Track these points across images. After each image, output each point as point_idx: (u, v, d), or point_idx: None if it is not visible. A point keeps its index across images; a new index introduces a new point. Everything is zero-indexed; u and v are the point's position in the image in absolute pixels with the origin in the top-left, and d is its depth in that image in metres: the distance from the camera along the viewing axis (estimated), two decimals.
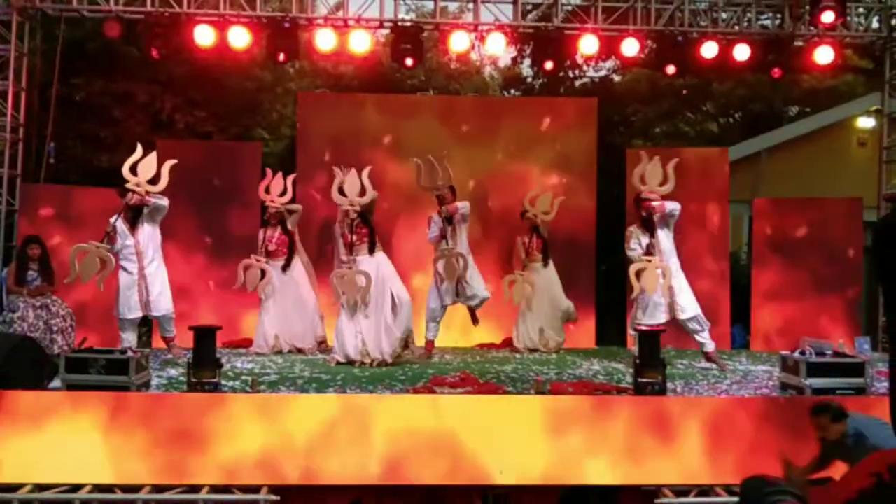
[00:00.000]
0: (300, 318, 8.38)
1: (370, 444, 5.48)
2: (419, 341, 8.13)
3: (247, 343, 8.97)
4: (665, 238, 7.66)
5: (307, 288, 8.49)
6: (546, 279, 8.84)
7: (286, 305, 8.33)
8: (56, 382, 5.79)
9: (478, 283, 8.29)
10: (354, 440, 5.47)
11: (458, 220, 8.10)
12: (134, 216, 7.54)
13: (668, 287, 7.44)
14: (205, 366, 5.76)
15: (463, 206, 8.12)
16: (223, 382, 5.97)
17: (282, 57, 9.31)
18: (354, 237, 7.47)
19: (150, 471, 5.37)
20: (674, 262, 7.63)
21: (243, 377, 6.63)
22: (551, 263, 8.93)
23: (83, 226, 9.00)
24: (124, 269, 7.55)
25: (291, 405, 5.61)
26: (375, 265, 7.47)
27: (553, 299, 8.88)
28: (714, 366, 7.59)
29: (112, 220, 7.50)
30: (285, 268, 8.30)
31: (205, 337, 5.93)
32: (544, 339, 8.79)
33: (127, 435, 5.38)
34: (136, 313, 7.61)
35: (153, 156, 7.48)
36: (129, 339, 7.52)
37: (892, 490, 0.79)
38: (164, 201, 7.61)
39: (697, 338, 7.61)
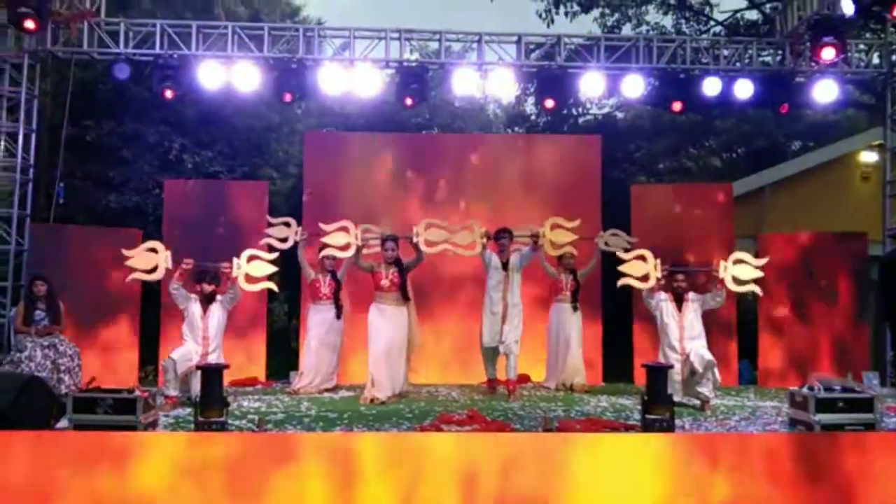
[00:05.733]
0: (333, 360, 8.54)
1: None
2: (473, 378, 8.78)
3: (252, 382, 8.98)
4: (691, 313, 7.69)
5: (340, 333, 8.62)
6: (572, 322, 8.76)
7: (330, 347, 8.48)
8: (63, 422, 5.78)
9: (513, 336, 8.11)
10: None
11: (512, 268, 8.14)
12: (208, 300, 7.62)
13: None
14: (212, 405, 5.74)
15: (515, 257, 8.17)
16: (230, 422, 5.96)
17: (288, 97, 9.42)
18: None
19: None
20: (699, 341, 7.62)
21: (250, 416, 6.62)
22: (580, 314, 8.83)
23: (91, 265, 9.08)
24: (189, 341, 7.51)
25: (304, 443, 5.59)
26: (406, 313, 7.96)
27: (572, 345, 8.74)
28: (700, 403, 7.45)
29: (174, 286, 7.59)
30: (339, 315, 8.46)
31: (211, 376, 5.94)
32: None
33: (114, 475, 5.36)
34: (185, 369, 7.40)
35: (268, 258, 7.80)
36: (173, 381, 7.29)
37: None
38: (240, 293, 7.76)
39: (699, 387, 7.46)
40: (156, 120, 11.45)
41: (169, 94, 9.26)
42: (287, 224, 8.41)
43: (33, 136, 9.36)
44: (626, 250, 8.19)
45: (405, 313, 7.91)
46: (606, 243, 8.63)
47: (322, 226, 8.02)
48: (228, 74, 9.20)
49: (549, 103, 9.91)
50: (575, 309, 8.75)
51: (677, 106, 9.71)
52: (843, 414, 5.89)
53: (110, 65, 9.35)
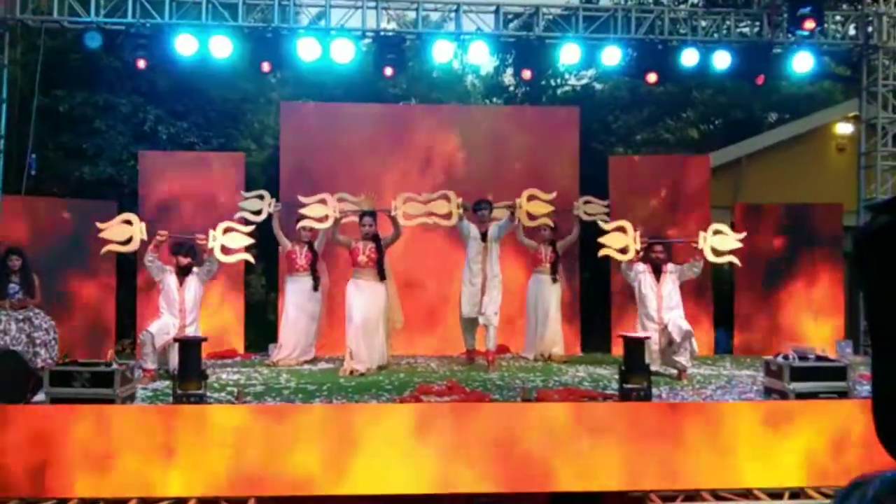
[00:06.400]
0: (311, 331, 8.52)
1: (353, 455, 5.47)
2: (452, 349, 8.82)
3: (231, 354, 8.95)
4: (669, 284, 7.74)
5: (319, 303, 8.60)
6: (551, 293, 8.76)
7: (308, 318, 8.47)
8: (40, 396, 5.75)
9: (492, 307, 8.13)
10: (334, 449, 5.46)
11: (491, 239, 8.17)
12: (184, 273, 7.59)
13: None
14: (190, 377, 5.73)
15: (494, 228, 8.21)
16: (208, 394, 5.95)
17: (266, 67, 9.29)
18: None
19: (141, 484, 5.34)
20: (676, 312, 7.66)
21: (228, 388, 6.61)
22: (559, 285, 8.83)
23: (65, 238, 8.98)
24: (165, 314, 7.49)
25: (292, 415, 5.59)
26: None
27: (550, 317, 8.74)
28: (677, 372, 7.53)
29: (149, 258, 7.57)
30: (316, 286, 8.44)
31: (190, 349, 5.92)
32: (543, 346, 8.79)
33: (106, 446, 5.35)
34: (162, 342, 7.41)
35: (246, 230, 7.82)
36: (151, 354, 7.30)
37: None
38: (216, 265, 7.75)
39: (676, 356, 7.54)
40: (128, 90, 11.23)
41: (142, 63, 9.09)
42: (261, 196, 8.38)
43: (3, 107, 9.18)
44: (605, 215, 8.27)
45: (383, 289, 7.90)
46: (586, 212, 8.65)
47: (301, 198, 8.00)
48: (202, 44, 9.05)
49: (527, 74, 9.87)
50: (554, 280, 8.78)
51: (652, 77, 9.69)
52: (816, 382, 5.99)
53: (81, 33, 9.14)
